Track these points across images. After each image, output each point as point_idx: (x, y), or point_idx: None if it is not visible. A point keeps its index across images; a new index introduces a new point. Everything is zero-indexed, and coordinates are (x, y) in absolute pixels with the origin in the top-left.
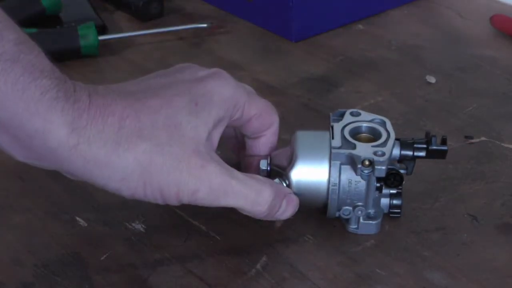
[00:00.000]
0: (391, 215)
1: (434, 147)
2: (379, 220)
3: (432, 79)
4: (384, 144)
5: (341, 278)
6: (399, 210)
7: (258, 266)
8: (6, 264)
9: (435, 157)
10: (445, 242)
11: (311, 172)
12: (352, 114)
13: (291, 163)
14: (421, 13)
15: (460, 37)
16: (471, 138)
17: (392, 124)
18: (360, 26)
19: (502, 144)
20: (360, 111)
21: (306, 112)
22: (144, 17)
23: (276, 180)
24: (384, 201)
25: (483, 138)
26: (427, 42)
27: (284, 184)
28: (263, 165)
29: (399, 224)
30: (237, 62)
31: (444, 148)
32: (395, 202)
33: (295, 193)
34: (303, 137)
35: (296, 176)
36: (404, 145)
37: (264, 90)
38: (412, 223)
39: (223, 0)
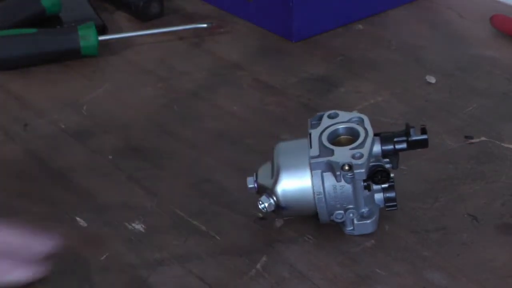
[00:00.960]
0: (387, 209)
1: (414, 138)
2: (374, 218)
3: (432, 79)
4: (362, 144)
5: (341, 278)
6: (394, 203)
7: (258, 266)
8: None
9: (417, 147)
10: (445, 242)
11: (295, 185)
12: (329, 116)
13: (275, 178)
14: (421, 13)
15: (460, 37)
16: (471, 138)
17: (392, 124)
18: (360, 26)
19: (502, 144)
20: (338, 111)
21: (306, 112)
22: (144, 17)
23: (264, 197)
24: (378, 196)
25: (483, 138)
26: (427, 42)
27: (272, 200)
28: (250, 182)
29: (399, 224)
30: (237, 62)
31: (424, 137)
32: (388, 195)
33: (284, 207)
34: (283, 149)
35: (281, 191)
36: (384, 140)
37: (264, 90)
38: (412, 223)
39: (223, 0)
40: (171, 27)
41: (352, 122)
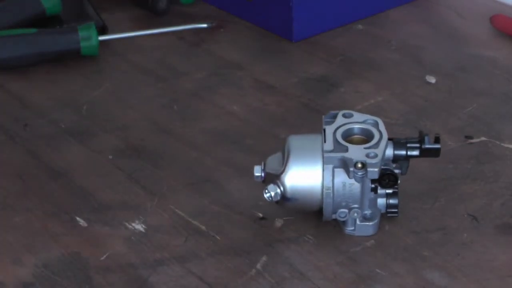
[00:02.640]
0: (388, 214)
1: (428, 146)
2: (376, 221)
3: (432, 79)
4: (376, 145)
5: (341, 278)
6: (396, 210)
7: (258, 266)
8: (6, 264)
9: (429, 155)
10: (445, 242)
11: (304, 177)
12: (344, 115)
13: (284, 168)
14: (421, 13)
15: (460, 37)
16: (471, 138)
17: (392, 124)
18: (360, 26)
19: (502, 144)
20: (353, 112)
21: (306, 112)
22: (154, 11)
23: (271, 185)
24: (381, 201)
25: (483, 138)
26: (427, 42)
27: (279, 190)
28: (257, 171)
29: (399, 224)
30: (237, 62)
31: (437, 146)
32: (391, 201)
33: (290, 198)
34: (295, 141)
35: (290, 181)
36: (397, 145)
37: (264, 90)
38: (412, 223)
39: (223, 0)
40: (171, 27)
41: (366, 124)
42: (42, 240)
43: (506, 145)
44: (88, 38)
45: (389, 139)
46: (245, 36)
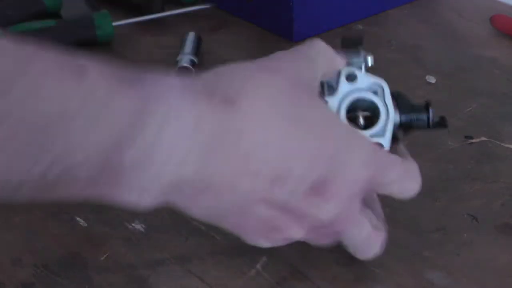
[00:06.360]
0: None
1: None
2: None
3: (432, 79)
4: (383, 130)
5: (341, 278)
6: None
7: (258, 266)
8: (6, 264)
9: (437, 127)
10: (445, 242)
11: None
12: (348, 78)
13: None
14: (421, 13)
15: (460, 37)
16: (471, 138)
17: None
18: (360, 26)
19: (502, 144)
20: (357, 72)
21: None
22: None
23: None
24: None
25: (483, 138)
26: (427, 42)
27: None
28: None
29: (399, 224)
30: (237, 62)
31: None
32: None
33: None
34: None
35: None
36: (404, 115)
37: None
38: (412, 223)
39: (223, 0)
40: (175, 10)
41: (372, 92)
42: (42, 240)
43: (506, 145)
44: (104, 25)
45: (392, 94)
46: (245, 36)
